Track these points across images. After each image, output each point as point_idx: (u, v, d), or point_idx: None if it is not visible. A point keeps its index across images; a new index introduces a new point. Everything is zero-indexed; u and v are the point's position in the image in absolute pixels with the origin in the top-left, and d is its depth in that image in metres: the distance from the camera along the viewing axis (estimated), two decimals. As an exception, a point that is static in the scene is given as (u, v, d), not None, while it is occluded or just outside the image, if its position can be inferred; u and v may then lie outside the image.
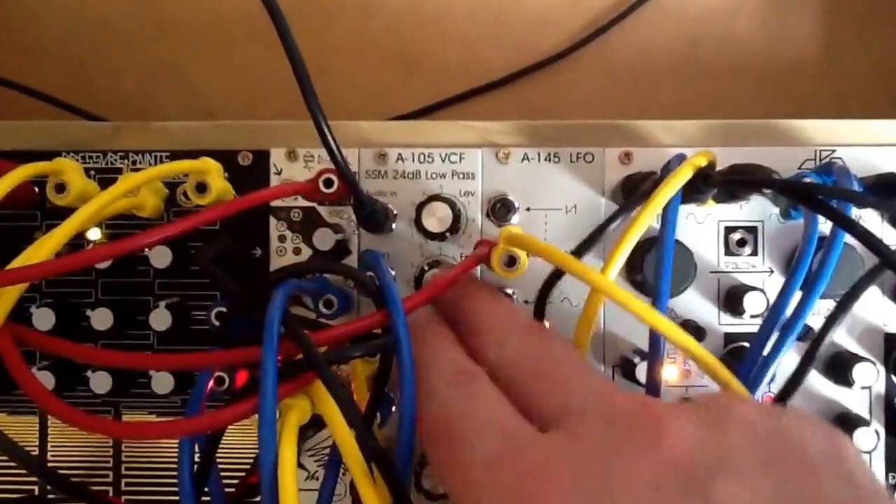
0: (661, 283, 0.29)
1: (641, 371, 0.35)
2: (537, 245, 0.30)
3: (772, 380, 0.36)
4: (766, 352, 0.30)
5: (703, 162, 0.31)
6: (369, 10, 0.59)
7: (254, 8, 0.29)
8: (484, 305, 0.30)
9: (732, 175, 0.32)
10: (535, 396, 0.25)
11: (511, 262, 0.31)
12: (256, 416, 0.25)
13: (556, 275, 0.31)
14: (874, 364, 0.35)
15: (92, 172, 0.37)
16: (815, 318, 0.36)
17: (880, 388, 0.36)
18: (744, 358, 0.31)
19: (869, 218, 0.36)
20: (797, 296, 0.31)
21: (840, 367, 0.36)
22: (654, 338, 0.29)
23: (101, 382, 0.35)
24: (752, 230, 0.37)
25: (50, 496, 0.37)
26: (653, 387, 0.29)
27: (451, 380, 0.26)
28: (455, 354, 0.27)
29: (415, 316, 0.28)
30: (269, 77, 0.57)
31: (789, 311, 0.30)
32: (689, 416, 0.23)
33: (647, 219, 0.30)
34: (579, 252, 0.31)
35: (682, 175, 0.30)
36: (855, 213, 0.36)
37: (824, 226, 0.32)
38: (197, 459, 0.28)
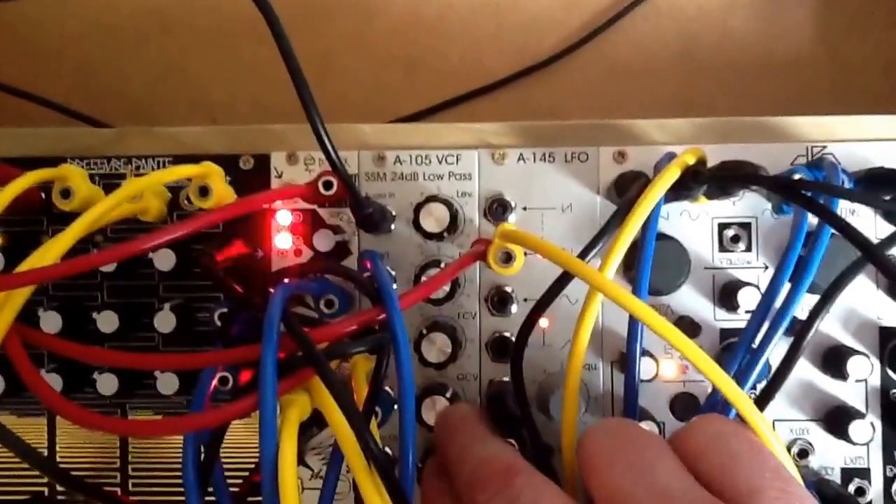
0: (641, 278, 0.30)
1: (641, 368, 0.35)
2: (532, 240, 0.30)
3: (768, 373, 0.37)
4: (755, 345, 0.30)
5: (691, 160, 0.31)
6: (371, 11, 0.59)
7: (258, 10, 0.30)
8: (463, 455, 0.29)
9: (720, 171, 0.33)
10: None
11: (507, 258, 0.31)
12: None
13: (566, 277, 0.31)
14: (868, 357, 0.35)
15: (97, 178, 0.38)
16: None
17: (875, 380, 0.37)
18: (733, 351, 0.31)
19: (863, 213, 0.37)
20: (788, 290, 0.31)
21: (835, 361, 0.36)
22: (633, 333, 0.30)
23: (107, 384, 0.36)
24: (745, 226, 0.37)
25: (59, 497, 0.38)
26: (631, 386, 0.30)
27: None
28: None
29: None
30: (276, 79, 0.57)
31: (778, 303, 0.31)
32: None
33: (640, 218, 0.30)
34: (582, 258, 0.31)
35: (670, 175, 0.31)
36: (849, 207, 0.37)
37: (816, 220, 0.32)
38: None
